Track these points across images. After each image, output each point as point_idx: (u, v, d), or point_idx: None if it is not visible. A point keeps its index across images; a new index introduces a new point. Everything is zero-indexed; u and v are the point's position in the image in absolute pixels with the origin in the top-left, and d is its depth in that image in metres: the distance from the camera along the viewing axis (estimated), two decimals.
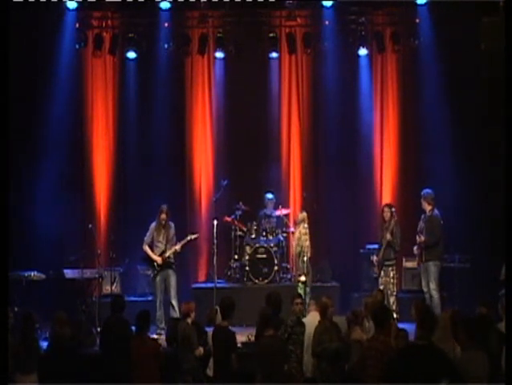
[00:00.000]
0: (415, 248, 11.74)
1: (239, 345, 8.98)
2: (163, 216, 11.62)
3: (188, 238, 11.82)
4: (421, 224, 11.73)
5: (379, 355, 7.12)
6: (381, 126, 13.74)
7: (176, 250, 11.67)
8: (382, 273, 11.63)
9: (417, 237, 11.66)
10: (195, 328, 9.13)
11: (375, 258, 11.78)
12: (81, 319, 10.92)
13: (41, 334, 10.38)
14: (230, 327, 8.52)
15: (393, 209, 11.89)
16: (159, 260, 11.61)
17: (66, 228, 12.80)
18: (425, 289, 11.60)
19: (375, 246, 12.08)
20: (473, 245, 12.34)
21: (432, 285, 11.50)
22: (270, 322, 8.19)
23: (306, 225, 11.88)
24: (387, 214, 11.76)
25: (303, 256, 11.61)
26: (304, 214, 12.01)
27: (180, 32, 13.47)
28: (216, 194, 13.28)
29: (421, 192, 11.83)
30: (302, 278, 11.54)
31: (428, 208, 11.72)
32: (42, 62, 13.00)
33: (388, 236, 11.57)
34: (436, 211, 11.72)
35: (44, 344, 8.91)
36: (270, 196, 13.18)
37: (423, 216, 11.78)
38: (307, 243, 11.79)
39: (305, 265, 11.55)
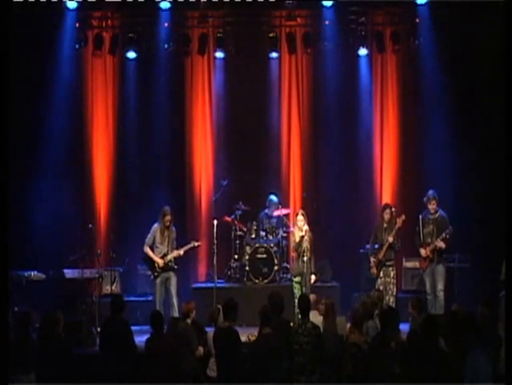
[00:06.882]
0: (425, 250, 11.51)
1: None
2: (167, 218, 11.61)
3: (192, 245, 11.87)
4: (430, 227, 11.53)
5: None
6: (381, 126, 13.74)
7: (179, 255, 11.70)
8: (381, 273, 11.55)
9: (428, 239, 11.47)
10: (195, 328, 9.14)
11: (372, 259, 11.69)
12: (81, 319, 10.91)
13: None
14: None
15: (393, 209, 11.85)
16: (160, 262, 11.61)
17: (66, 228, 12.80)
18: (429, 291, 11.47)
19: (375, 246, 12.00)
20: (473, 245, 12.32)
21: (440, 286, 11.39)
22: (269, 321, 8.17)
23: (307, 227, 11.71)
24: (387, 215, 11.67)
25: (308, 257, 11.49)
26: (303, 218, 11.74)
27: (180, 32, 13.46)
28: (216, 194, 13.28)
29: (428, 193, 11.66)
30: (298, 279, 11.45)
31: (435, 208, 11.59)
32: (42, 61, 12.98)
33: (391, 239, 11.42)
34: (441, 211, 11.67)
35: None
36: (274, 198, 13.05)
37: (426, 217, 11.61)
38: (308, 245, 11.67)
39: (304, 264, 11.50)
